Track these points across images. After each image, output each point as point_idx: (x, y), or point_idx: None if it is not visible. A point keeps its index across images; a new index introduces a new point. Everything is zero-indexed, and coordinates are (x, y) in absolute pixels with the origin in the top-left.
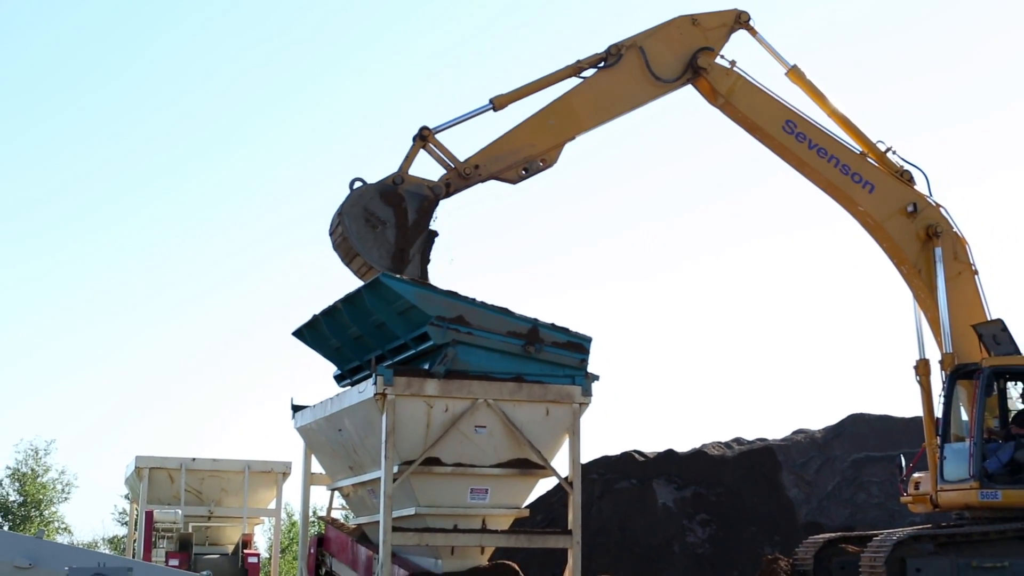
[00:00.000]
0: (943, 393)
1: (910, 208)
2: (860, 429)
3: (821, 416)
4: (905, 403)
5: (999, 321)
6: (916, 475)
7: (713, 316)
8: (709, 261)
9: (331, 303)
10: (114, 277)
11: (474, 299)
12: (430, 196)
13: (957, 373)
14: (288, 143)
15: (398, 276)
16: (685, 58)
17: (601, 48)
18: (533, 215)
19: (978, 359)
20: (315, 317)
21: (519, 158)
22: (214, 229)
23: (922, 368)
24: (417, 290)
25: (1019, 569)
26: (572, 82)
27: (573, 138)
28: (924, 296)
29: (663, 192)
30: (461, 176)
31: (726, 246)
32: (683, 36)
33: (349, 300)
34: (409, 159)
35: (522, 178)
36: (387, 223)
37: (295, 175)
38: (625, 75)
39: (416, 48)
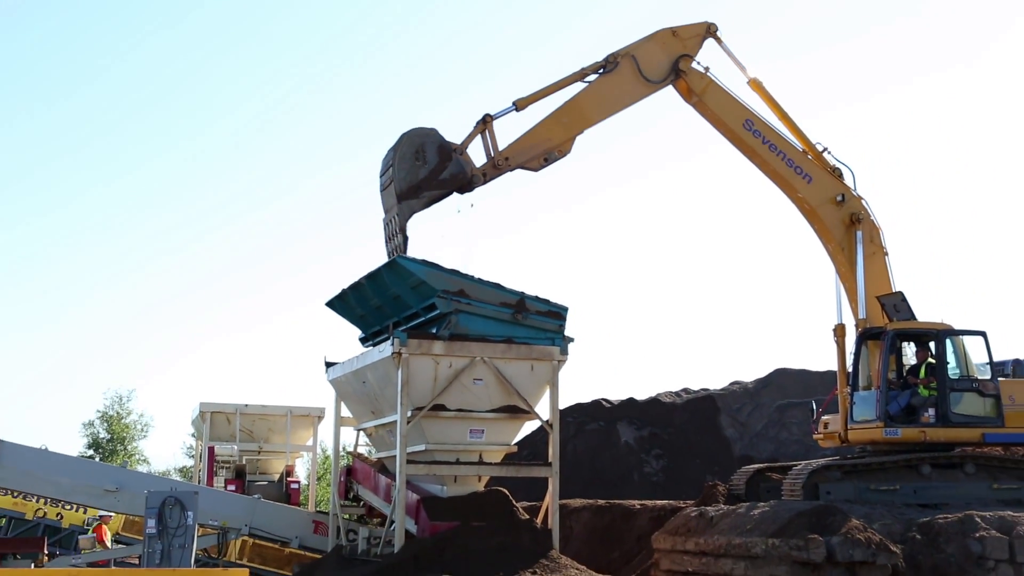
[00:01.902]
0: (854, 351)
1: (839, 198)
2: (784, 380)
3: (752, 370)
4: (821, 359)
5: (900, 293)
6: (825, 417)
7: (668, 286)
8: (666, 236)
9: (356, 279)
10: (189, 253)
11: (472, 276)
12: (467, 175)
13: (867, 335)
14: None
15: (411, 257)
16: (669, 63)
17: (599, 57)
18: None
19: (882, 324)
20: (344, 291)
21: (540, 150)
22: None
23: (839, 331)
24: (427, 269)
25: (906, 492)
26: (579, 86)
27: (582, 131)
28: (845, 271)
29: (620, 166)
30: (495, 166)
31: (682, 220)
32: (666, 45)
33: (371, 277)
34: (470, 138)
35: (543, 166)
36: (426, 165)
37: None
38: (622, 79)
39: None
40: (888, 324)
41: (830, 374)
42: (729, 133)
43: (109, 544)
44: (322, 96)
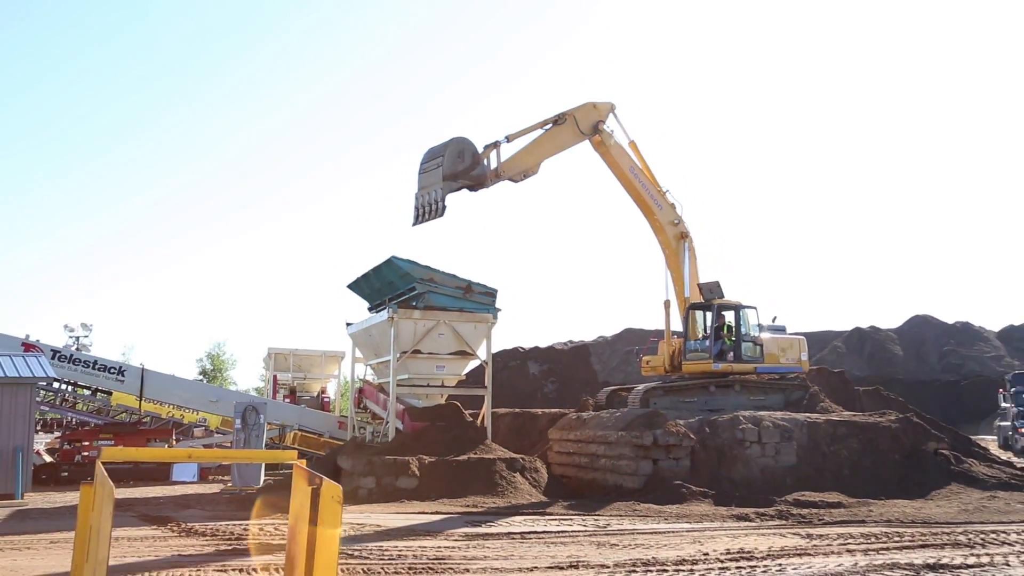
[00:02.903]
0: (684, 317)
1: (676, 221)
2: (630, 335)
3: (611, 327)
4: (652, 321)
5: (717, 282)
6: (646, 357)
7: (562, 272)
8: (561, 241)
9: (366, 271)
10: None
11: (439, 269)
12: (485, 176)
13: (694, 307)
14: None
15: (402, 258)
16: (592, 124)
17: (553, 113)
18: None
19: (701, 301)
20: (358, 278)
21: (520, 169)
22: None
23: (667, 305)
24: (410, 265)
25: (701, 402)
26: (539, 132)
27: (544, 160)
28: (675, 267)
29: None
30: (496, 175)
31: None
32: (591, 113)
33: (375, 270)
34: (488, 150)
35: (521, 180)
36: (464, 162)
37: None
38: (567, 130)
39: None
40: (715, 301)
41: (657, 331)
42: (620, 173)
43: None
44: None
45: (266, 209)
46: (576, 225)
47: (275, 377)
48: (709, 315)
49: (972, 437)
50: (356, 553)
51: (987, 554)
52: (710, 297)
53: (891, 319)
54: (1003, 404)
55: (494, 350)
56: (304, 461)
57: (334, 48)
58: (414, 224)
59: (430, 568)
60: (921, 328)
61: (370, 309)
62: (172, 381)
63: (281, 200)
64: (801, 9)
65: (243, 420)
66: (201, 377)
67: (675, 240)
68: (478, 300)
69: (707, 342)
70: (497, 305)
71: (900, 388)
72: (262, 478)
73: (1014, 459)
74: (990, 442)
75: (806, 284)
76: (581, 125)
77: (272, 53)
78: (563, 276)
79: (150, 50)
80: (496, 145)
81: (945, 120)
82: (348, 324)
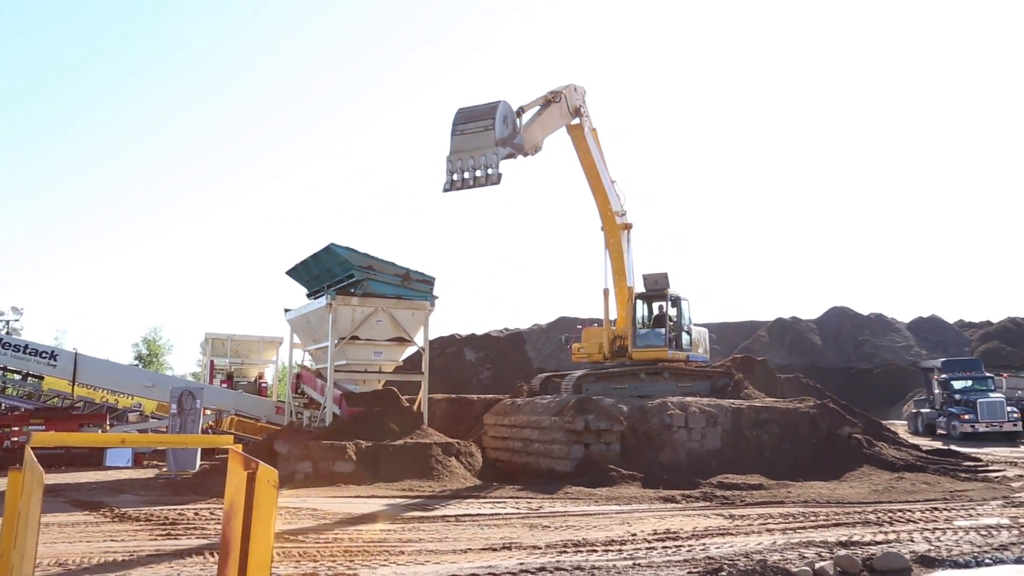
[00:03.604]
0: (631, 305)
1: (623, 212)
2: (564, 323)
3: (545, 316)
4: (588, 310)
5: (665, 273)
6: (575, 344)
7: (492, 244)
8: (496, 237)
9: (304, 258)
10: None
11: (379, 257)
12: (521, 147)
13: (640, 296)
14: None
15: (342, 245)
16: (576, 106)
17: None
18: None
19: (648, 291)
20: (297, 265)
21: (533, 143)
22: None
23: (606, 293)
24: (350, 252)
25: (631, 388)
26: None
27: (547, 137)
28: (616, 256)
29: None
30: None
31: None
32: (574, 95)
33: (314, 256)
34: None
35: (531, 155)
36: (509, 129)
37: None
38: (557, 109)
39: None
40: (666, 290)
41: (591, 319)
42: (588, 161)
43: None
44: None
45: (205, 195)
46: (514, 214)
47: (212, 362)
48: (655, 304)
49: (883, 422)
50: (292, 537)
51: (894, 531)
52: (656, 288)
53: (811, 310)
54: (935, 391)
55: (431, 337)
56: (240, 446)
57: (273, 35)
58: (447, 190)
59: (366, 551)
60: (839, 319)
61: (309, 295)
62: (106, 366)
63: (221, 186)
64: None
65: (179, 405)
66: (137, 362)
67: (620, 230)
68: (416, 288)
69: (661, 330)
70: (435, 293)
71: (818, 376)
72: (198, 463)
73: (921, 442)
74: (899, 426)
75: (734, 275)
76: (569, 106)
77: (210, 39)
78: (500, 265)
79: (79, 38)
80: (520, 114)
81: (857, 112)
82: (286, 310)
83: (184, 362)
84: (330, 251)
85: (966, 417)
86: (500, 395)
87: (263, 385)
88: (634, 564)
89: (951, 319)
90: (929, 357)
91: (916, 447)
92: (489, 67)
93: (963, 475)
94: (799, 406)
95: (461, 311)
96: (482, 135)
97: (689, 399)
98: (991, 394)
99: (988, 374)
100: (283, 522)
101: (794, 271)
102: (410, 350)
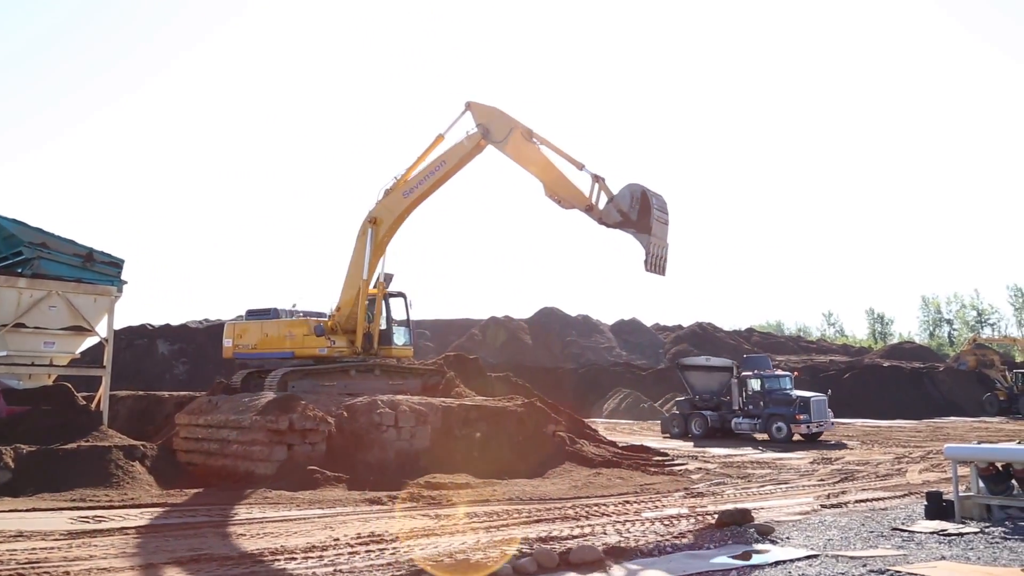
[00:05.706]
0: (381, 303)
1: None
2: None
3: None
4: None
5: (391, 274)
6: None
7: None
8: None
9: None
10: None
11: (53, 233)
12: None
13: (390, 295)
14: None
15: (8, 217)
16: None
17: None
18: None
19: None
20: None
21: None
22: None
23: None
24: (16, 224)
25: (340, 386)
26: None
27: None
28: (361, 252)
29: None
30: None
31: None
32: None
33: None
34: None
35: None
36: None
37: None
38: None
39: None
40: (399, 291)
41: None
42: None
43: None
44: None
45: None
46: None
47: None
48: (393, 303)
49: (585, 420)
50: None
51: (590, 525)
52: (387, 287)
53: (525, 310)
54: (734, 392)
55: (117, 327)
56: None
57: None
58: (649, 271)
59: (20, 574)
60: (548, 319)
61: None
62: None
63: None
64: None
65: None
66: None
67: (367, 225)
68: (100, 270)
69: (404, 329)
70: (124, 277)
71: (528, 374)
72: None
73: (677, 444)
74: (599, 424)
75: (456, 273)
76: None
77: None
78: (200, 250)
79: None
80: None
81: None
82: None
83: None
84: None
85: (801, 417)
86: (197, 392)
87: None
88: (335, 571)
89: (649, 322)
90: (630, 358)
91: (613, 443)
92: (475, 64)
93: (652, 469)
94: (508, 405)
95: (154, 299)
96: (666, 229)
97: (400, 397)
98: (806, 392)
99: (784, 372)
100: None
101: (509, 271)
102: (91, 341)
